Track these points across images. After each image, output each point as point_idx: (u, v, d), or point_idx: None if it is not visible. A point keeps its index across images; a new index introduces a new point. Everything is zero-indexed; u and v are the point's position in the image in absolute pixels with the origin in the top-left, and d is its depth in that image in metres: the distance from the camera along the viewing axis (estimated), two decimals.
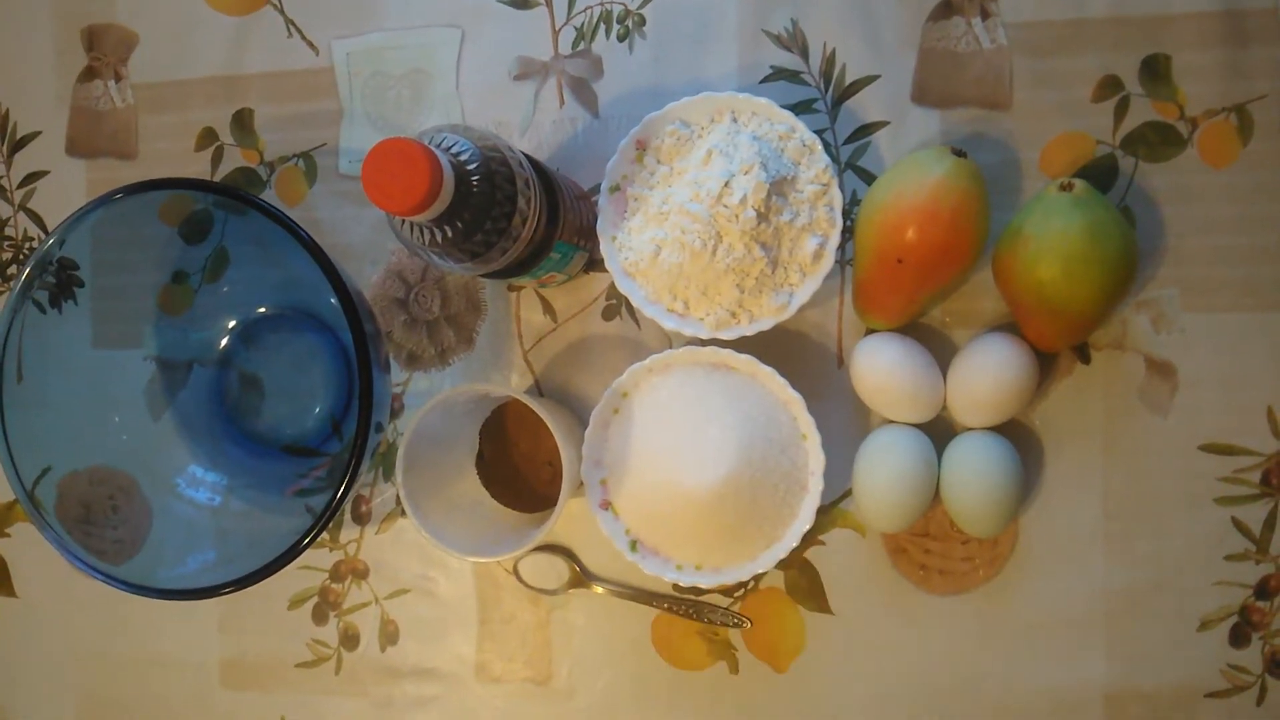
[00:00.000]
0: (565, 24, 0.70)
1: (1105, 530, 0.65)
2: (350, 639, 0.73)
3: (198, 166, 0.74)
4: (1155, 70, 0.64)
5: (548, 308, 0.70)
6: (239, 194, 0.60)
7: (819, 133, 0.66)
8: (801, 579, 0.68)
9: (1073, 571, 0.65)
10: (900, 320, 0.64)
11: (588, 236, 0.65)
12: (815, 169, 0.62)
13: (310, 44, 0.73)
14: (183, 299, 0.71)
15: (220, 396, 0.73)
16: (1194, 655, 0.64)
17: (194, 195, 0.65)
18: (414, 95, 0.72)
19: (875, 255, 0.61)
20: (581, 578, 0.70)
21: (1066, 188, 0.59)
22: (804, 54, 0.68)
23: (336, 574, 0.73)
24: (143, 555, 0.65)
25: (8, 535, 0.77)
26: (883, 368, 0.63)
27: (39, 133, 0.76)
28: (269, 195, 0.73)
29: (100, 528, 0.65)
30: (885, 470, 0.62)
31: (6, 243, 0.77)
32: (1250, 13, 0.63)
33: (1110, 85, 0.65)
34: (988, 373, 0.62)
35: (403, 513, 0.72)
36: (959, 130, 0.66)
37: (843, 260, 0.67)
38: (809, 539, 0.67)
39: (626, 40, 0.69)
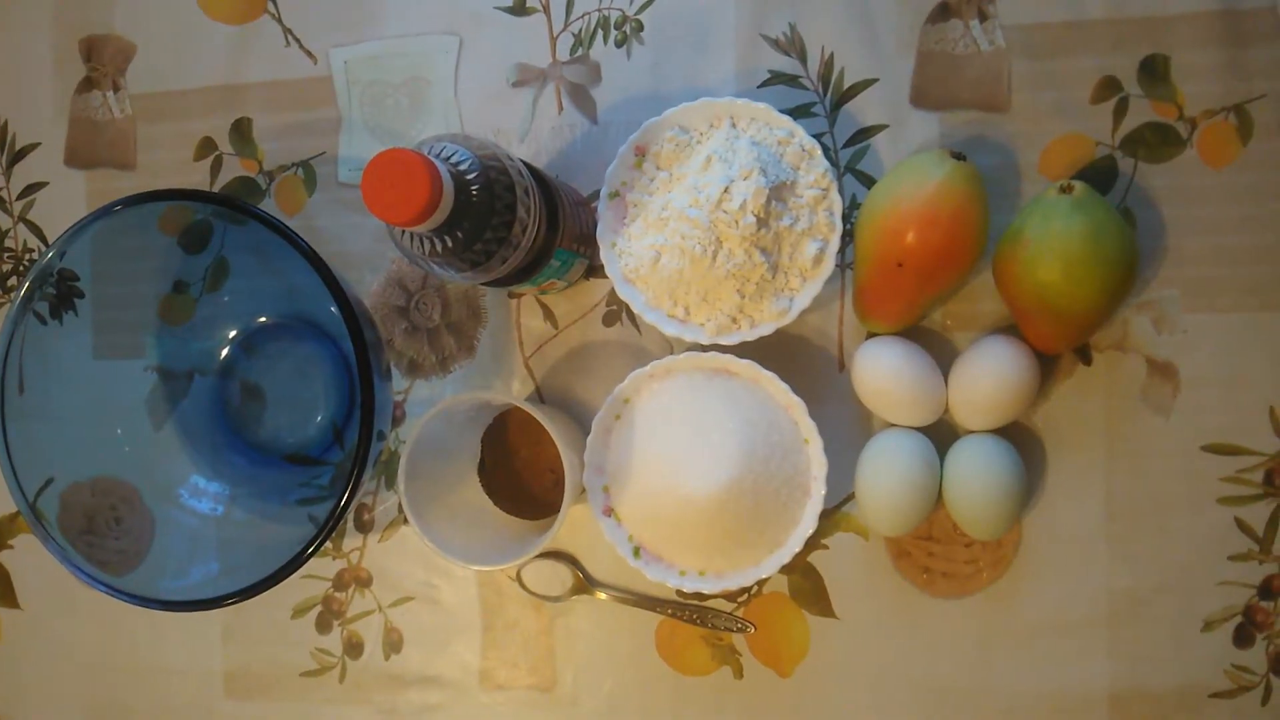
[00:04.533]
0: (563, 30, 0.70)
1: (1108, 531, 0.65)
2: (354, 647, 0.73)
3: (197, 176, 0.74)
4: (1154, 71, 0.64)
5: (548, 314, 0.70)
6: (238, 204, 0.60)
7: (818, 137, 0.66)
8: (805, 583, 0.68)
9: (1076, 573, 0.65)
10: (901, 324, 0.64)
11: (588, 243, 0.65)
12: (814, 173, 0.62)
13: (308, 53, 0.73)
14: (183, 309, 0.71)
15: (222, 406, 0.73)
16: (1198, 656, 0.64)
17: (194, 205, 0.65)
18: (412, 103, 0.72)
19: (875, 259, 0.61)
20: (585, 584, 0.70)
21: (1066, 190, 0.59)
22: (802, 58, 0.68)
23: (340, 583, 0.73)
24: (146, 566, 0.65)
25: (10, 547, 0.77)
26: (884, 371, 0.63)
27: (38, 144, 0.77)
28: (268, 204, 0.73)
29: (103, 539, 0.65)
30: (888, 474, 0.62)
31: (6, 254, 0.77)
32: (1249, 13, 0.63)
33: (1109, 86, 0.65)
34: (989, 375, 0.62)
35: (405, 521, 0.72)
36: (958, 133, 0.66)
37: (843, 264, 0.67)
38: (812, 543, 0.67)
39: (624, 46, 0.69)
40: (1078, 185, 0.59)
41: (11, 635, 0.77)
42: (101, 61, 0.76)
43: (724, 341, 0.63)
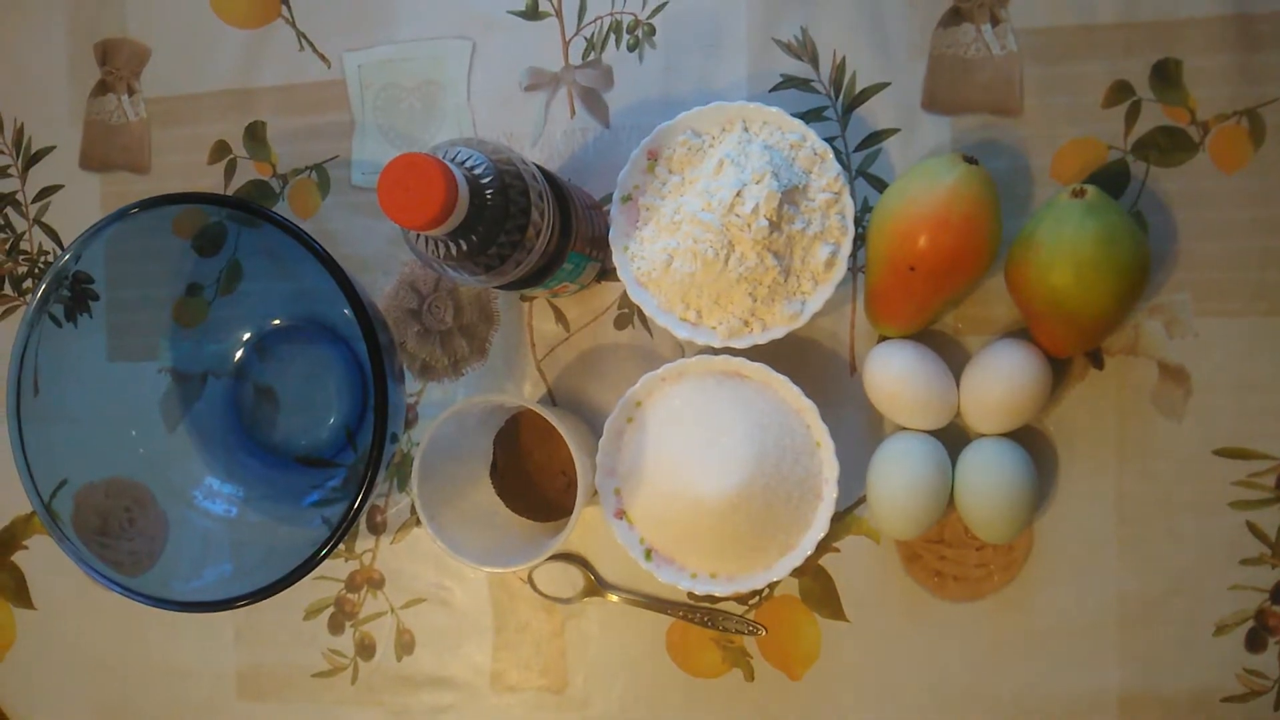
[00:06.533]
0: (575, 34, 0.70)
1: (1119, 535, 0.65)
2: (366, 649, 0.73)
3: (211, 179, 0.74)
4: (1166, 75, 0.64)
5: (560, 317, 0.71)
6: (252, 207, 0.61)
7: (830, 141, 0.66)
8: (816, 586, 0.68)
9: (1087, 577, 0.65)
10: (913, 327, 0.64)
11: (600, 246, 0.65)
12: (827, 177, 0.63)
13: (322, 56, 0.73)
14: (197, 311, 0.71)
15: (235, 408, 0.73)
16: (1210, 660, 0.64)
17: (208, 209, 0.66)
18: (425, 107, 0.72)
19: (887, 263, 0.62)
20: (596, 586, 0.70)
21: (1078, 194, 0.59)
22: (814, 62, 0.68)
23: (352, 584, 0.73)
24: (159, 567, 0.65)
25: (25, 547, 0.78)
26: (896, 375, 0.63)
27: (53, 147, 0.77)
28: (282, 208, 0.74)
29: (117, 540, 0.65)
30: (899, 477, 0.62)
31: (22, 257, 0.78)
32: (1261, 17, 0.63)
33: (1121, 90, 0.65)
34: (1001, 379, 0.62)
35: (418, 523, 0.72)
36: (970, 137, 0.66)
37: (855, 268, 0.67)
38: (824, 546, 0.67)
39: (637, 50, 0.70)
40: (1090, 189, 0.59)
41: (25, 635, 0.78)
42: (116, 65, 0.76)
43: (736, 345, 0.63)
